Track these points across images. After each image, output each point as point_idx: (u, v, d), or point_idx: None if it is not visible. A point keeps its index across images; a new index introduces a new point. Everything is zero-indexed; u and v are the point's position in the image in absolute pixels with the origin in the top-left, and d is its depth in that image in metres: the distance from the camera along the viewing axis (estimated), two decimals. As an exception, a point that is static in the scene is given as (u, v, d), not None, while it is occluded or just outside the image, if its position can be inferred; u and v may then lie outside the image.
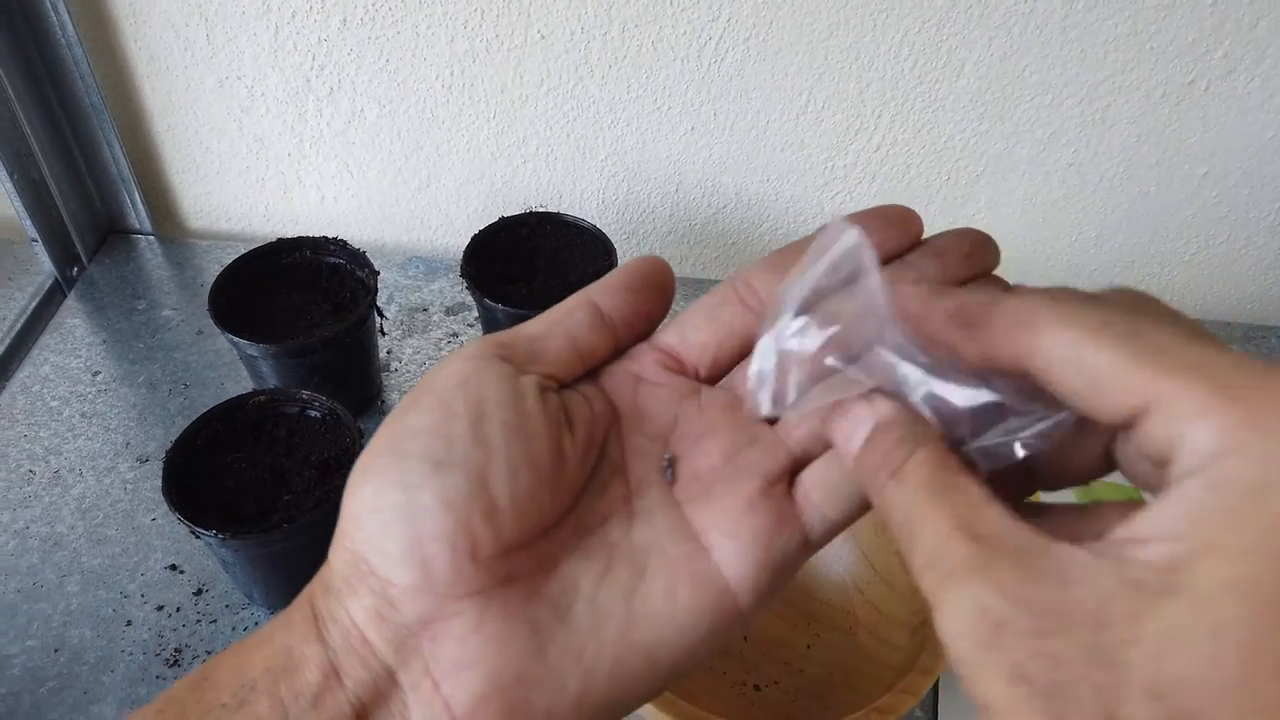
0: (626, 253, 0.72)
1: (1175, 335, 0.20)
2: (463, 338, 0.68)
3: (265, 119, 0.70)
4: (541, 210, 0.65)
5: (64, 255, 0.72)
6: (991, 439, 0.24)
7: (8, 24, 0.63)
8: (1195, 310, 0.73)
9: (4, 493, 0.58)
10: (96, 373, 0.65)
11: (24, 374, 0.65)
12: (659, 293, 0.30)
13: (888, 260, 0.29)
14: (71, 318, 0.69)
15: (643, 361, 0.29)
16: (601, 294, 0.29)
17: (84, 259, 0.73)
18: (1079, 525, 0.23)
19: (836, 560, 0.50)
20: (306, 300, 0.60)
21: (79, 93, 0.67)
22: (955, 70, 0.62)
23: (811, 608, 0.50)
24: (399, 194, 0.74)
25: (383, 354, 0.66)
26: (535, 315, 0.29)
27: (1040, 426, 0.23)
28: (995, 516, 0.21)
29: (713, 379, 0.29)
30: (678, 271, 0.32)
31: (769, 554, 0.26)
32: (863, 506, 0.27)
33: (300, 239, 0.61)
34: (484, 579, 0.25)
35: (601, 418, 0.28)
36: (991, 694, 0.19)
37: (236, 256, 0.60)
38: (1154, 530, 0.19)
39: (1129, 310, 0.21)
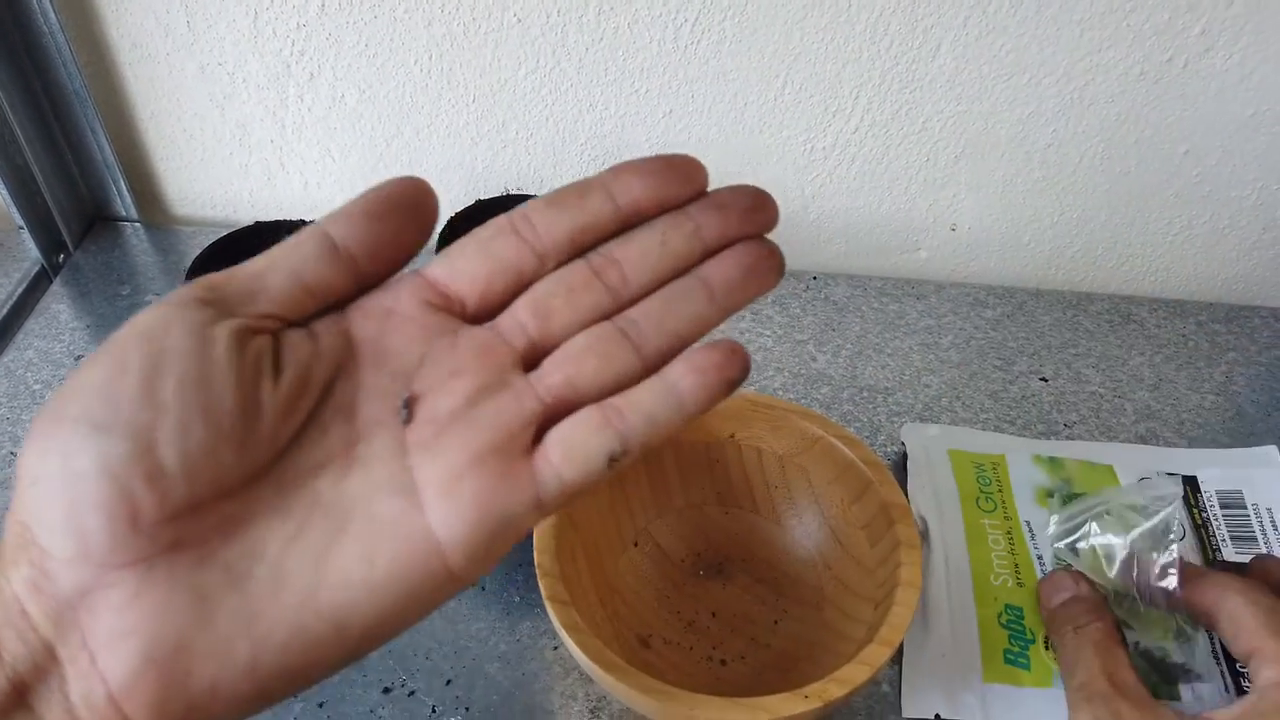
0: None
1: None
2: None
3: (247, 105, 0.70)
4: (519, 193, 0.65)
5: (50, 242, 0.72)
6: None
7: (-10, 11, 0.64)
8: (1179, 291, 0.73)
9: (-15, 474, 0.59)
10: (79, 356, 0.66)
11: (8, 359, 0.66)
12: (410, 217, 0.27)
13: (668, 209, 0.28)
14: (56, 303, 0.70)
15: (399, 294, 0.27)
16: (335, 223, 0.26)
17: (70, 246, 0.74)
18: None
19: (806, 537, 0.50)
20: (284, 283, 0.61)
21: (62, 80, 0.68)
22: (931, 50, 0.62)
23: (780, 584, 0.50)
24: (381, 179, 0.74)
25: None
26: None
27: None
28: (1130, 675, 0.40)
29: (481, 316, 0.28)
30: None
31: (488, 515, 0.25)
32: (599, 474, 0.26)
33: (278, 223, 0.62)
34: (147, 546, 0.23)
35: (327, 356, 0.26)
36: None
37: (214, 240, 0.60)
38: (1227, 713, 0.38)
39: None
